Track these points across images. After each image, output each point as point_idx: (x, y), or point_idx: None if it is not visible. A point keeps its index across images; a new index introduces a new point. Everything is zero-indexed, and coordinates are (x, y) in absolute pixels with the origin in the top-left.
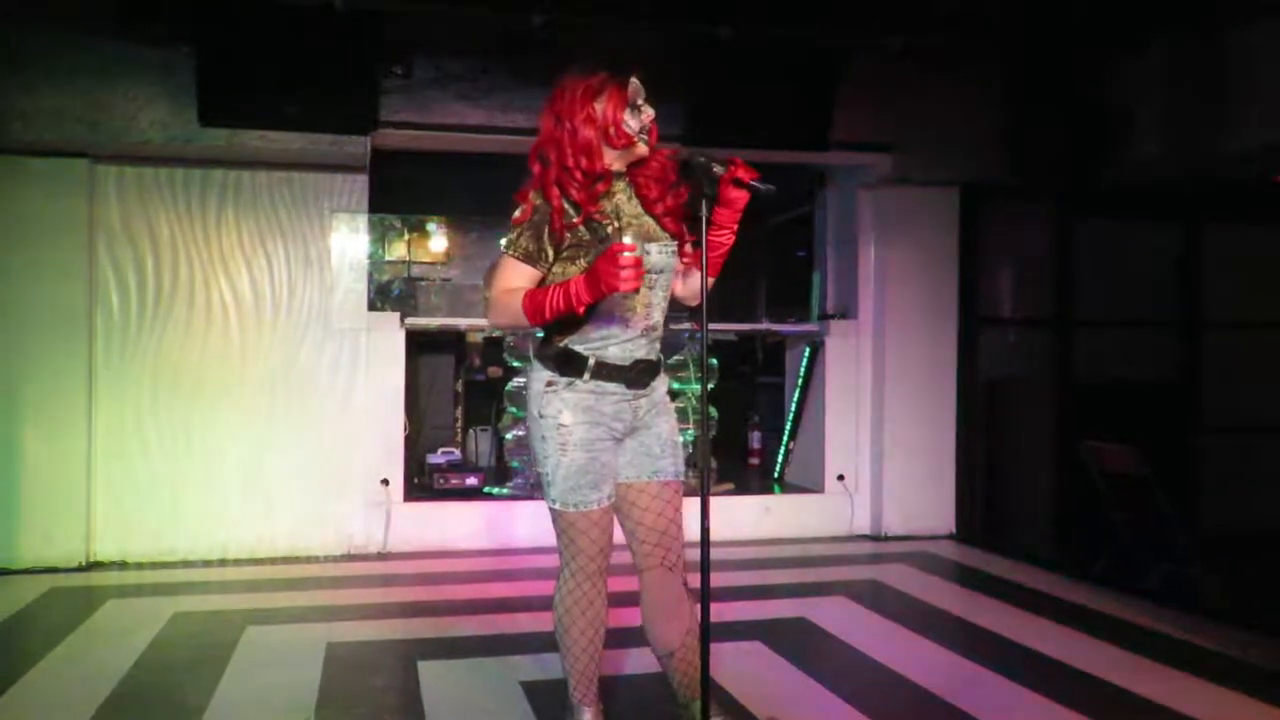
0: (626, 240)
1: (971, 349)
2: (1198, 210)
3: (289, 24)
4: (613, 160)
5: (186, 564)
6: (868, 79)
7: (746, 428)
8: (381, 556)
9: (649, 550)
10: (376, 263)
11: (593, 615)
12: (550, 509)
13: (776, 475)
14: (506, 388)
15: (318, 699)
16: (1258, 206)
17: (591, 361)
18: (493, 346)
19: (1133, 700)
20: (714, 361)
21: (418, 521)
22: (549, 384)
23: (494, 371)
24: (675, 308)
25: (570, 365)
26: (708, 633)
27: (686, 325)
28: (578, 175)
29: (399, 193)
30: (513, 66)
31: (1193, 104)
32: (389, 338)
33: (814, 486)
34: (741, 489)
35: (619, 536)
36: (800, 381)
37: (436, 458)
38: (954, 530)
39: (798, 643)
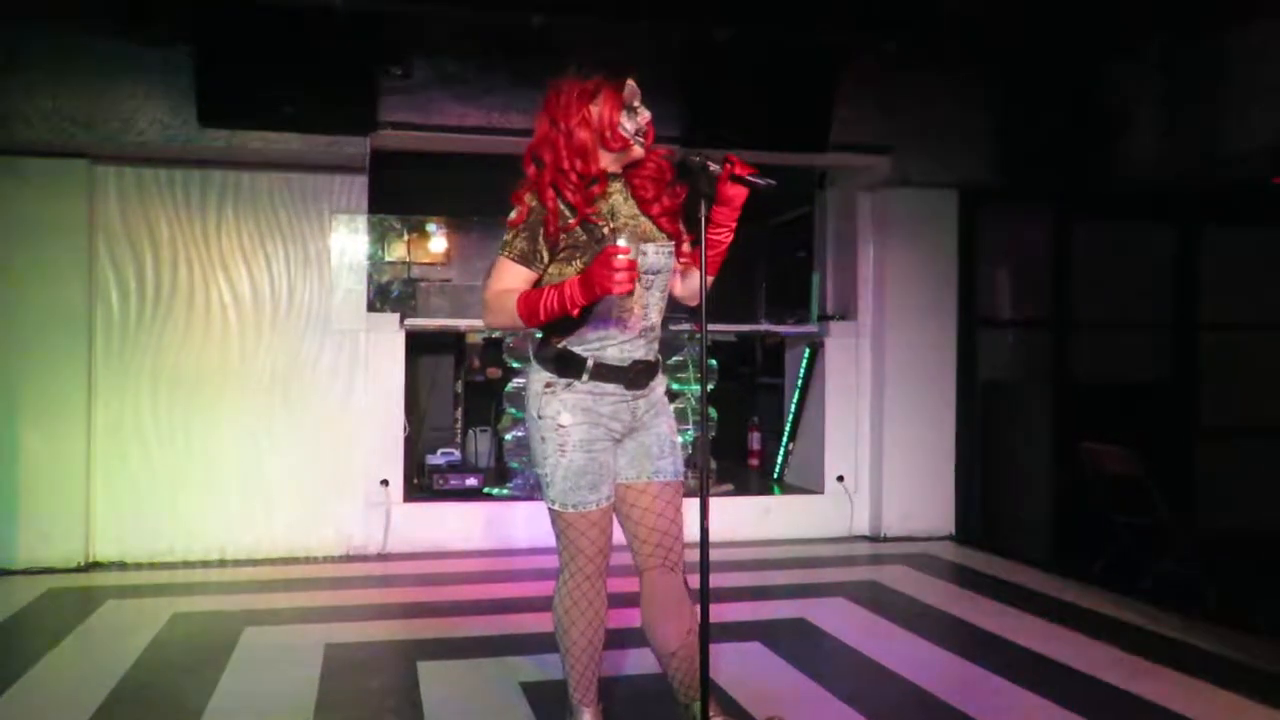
0: (621, 242)
1: (970, 350)
2: (1196, 212)
3: (288, 25)
4: (609, 162)
5: (185, 564)
6: (867, 81)
7: (746, 429)
8: (381, 557)
9: (649, 551)
10: (376, 263)
11: (592, 616)
12: (549, 510)
13: (776, 476)
14: (506, 389)
15: (316, 700)
16: (1256, 208)
17: (590, 363)
18: (492, 347)
19: (1132, 701)
20: (714, 362)
21: (417, 522)
22: (547, 385)
23: (493, 372)
24: (674, 308)
25: (568, 366)
26: (707, 633)
27: (686, 326)
28: (573, 178)
29: (398, 194)
30: (512, 67)
31: (1191, 105)
32: (389, 338)
33: (813, 487)
34: (741, 490)
35: (618, 537)
36: (799, 382)
37: (436, 458)
38: (953, 531)
39: (797, 643)
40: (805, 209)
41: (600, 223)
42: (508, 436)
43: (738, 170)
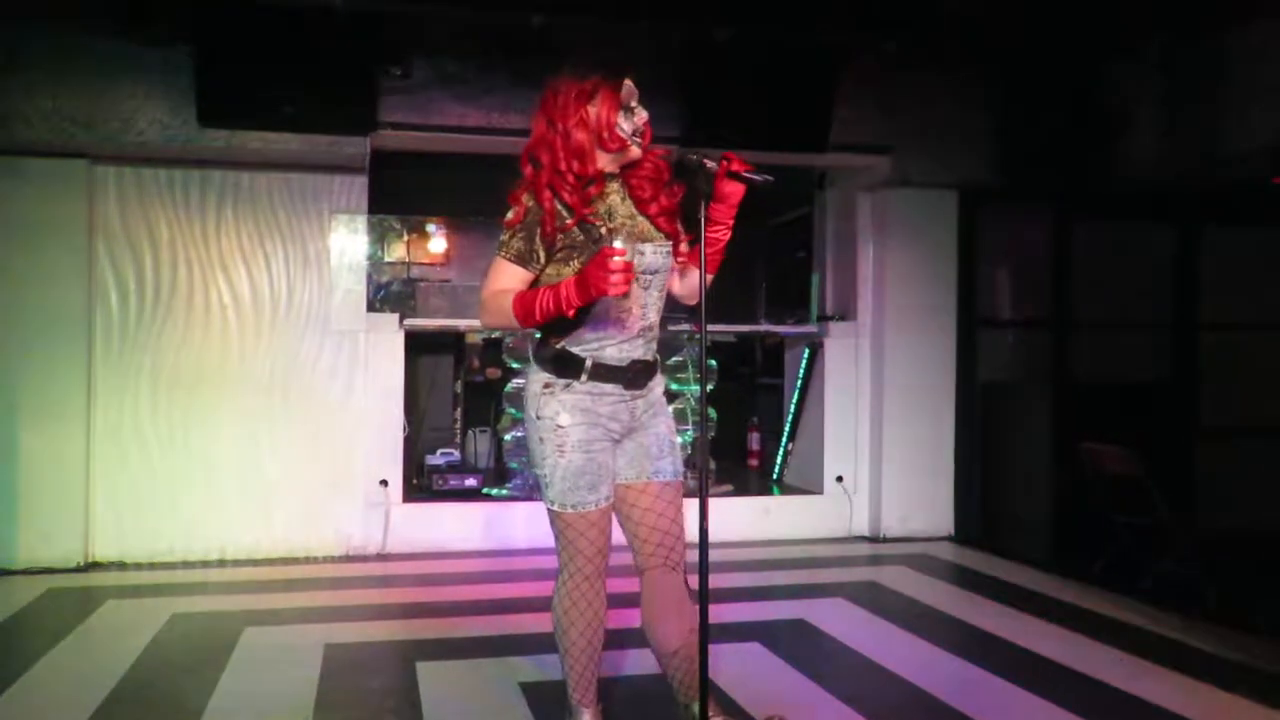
0: (617, 244)
1: (970, 350)
2: (1196, 212)
3: (288, 25)
4: (606, 162)
5: (185, 565)
6: (867, 81)
7: (745, 429)
8: (380, 557)
9: (650, 551)
10: (376, 264)
11: (591, 616)
12: (548, 510)
13: (775, 477)
14: (505, 389)
15: (316, 700)
16: (1256, 208)
17: (588, 363)
18: (492, 348)
19: (1132, 701)
20: (713, 363)
21: (417, 522)
22: (546, 386)
23: (493, 373)
24: (674, 308)
25: (567, 367)
26: (706, 634)
27: (685, 327)
28: (570, 179)
29: (398, 194)
30: (512, 67)
31: (1191, 105)
32: (388, 339)
33: (813, 488)
34: (740, 490)
35: (618, 537)
36: (799, 383)
37: (435, 459)
38: (952, 532)
39: (796, 644)
40: (805, 209)
41: (598, 223)
42: (507, 437)
43: (734, 166)
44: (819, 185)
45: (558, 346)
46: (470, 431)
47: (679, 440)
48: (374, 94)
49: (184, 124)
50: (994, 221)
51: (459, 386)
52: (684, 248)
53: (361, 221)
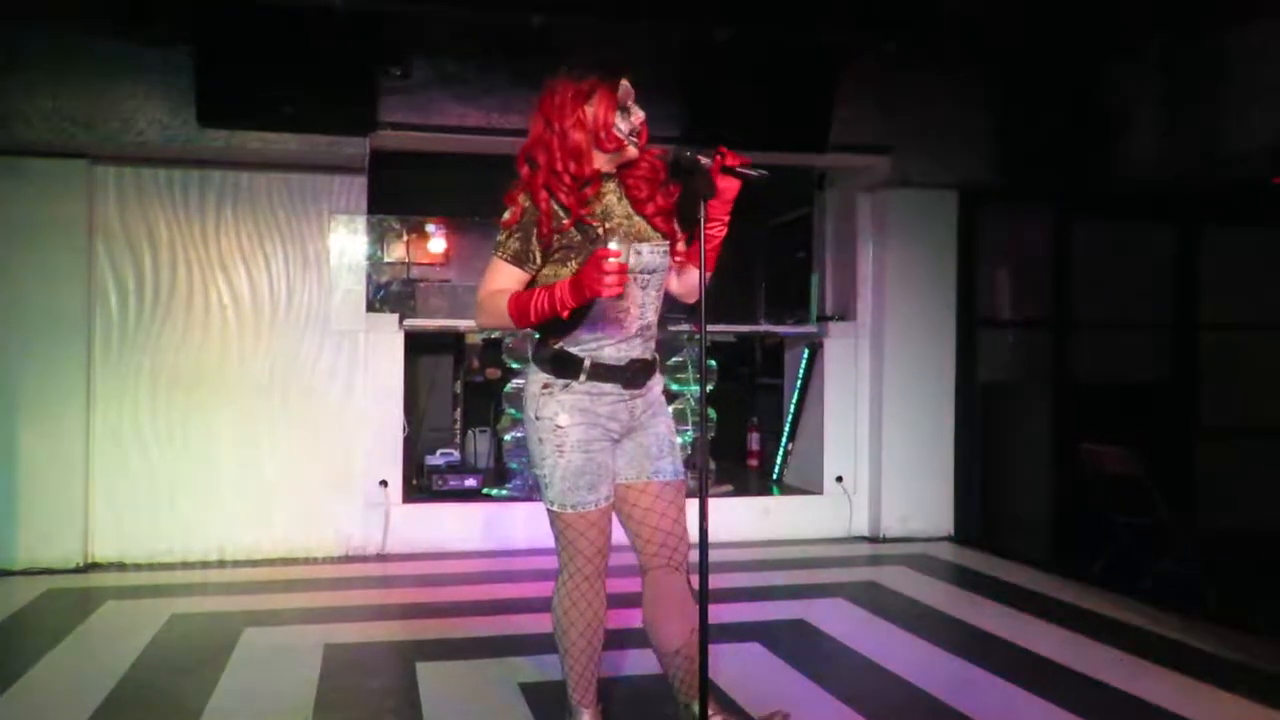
0: (613, 245)
1: (970, 350)
2: (1196, 212)
3: (288, 25)
4: (603, 163)
5: (184, 565)
6: (867, 81)
7: (745, 429)
8: (380, 558)
9: (654, 551)
10: (375, 264)
11: (591, 616)
12: (548, 510)
13: (775, 477)
14: (505, 389)
15: (315, 700)
16: (1256, 208)
17: (587, 363)
18: (492, 348)
19: (1131, 701)
20: (713, 363)
21: (416, 523)
22: (545, 386)
23: (492, 373)
24: (674, 308)
25: (566, 367)
26: (706, 634)
27: (685, 327)
28: (566, 179)
29: (398, 194)
30: (512, 67)
31: (1191, 105)
32: (388, 339)
33: (813, 488)
34: (740, 490)
35: (618, 537)
36: (799, 383)
37: (435, 459)
38: (952, 532)
39: (796, 644)
40: (805, 209)
41: (594, 223)
42: (507, 437)
43: (729, 161)
44: (819, 185)
45: (556, 347)
46: (470, 432)
47: (679, 440)
48: (374, 94)
49: (184, 124)
50: (994, 221)
51: (459, 387)
52: (681, 247)
53: (361, 222)
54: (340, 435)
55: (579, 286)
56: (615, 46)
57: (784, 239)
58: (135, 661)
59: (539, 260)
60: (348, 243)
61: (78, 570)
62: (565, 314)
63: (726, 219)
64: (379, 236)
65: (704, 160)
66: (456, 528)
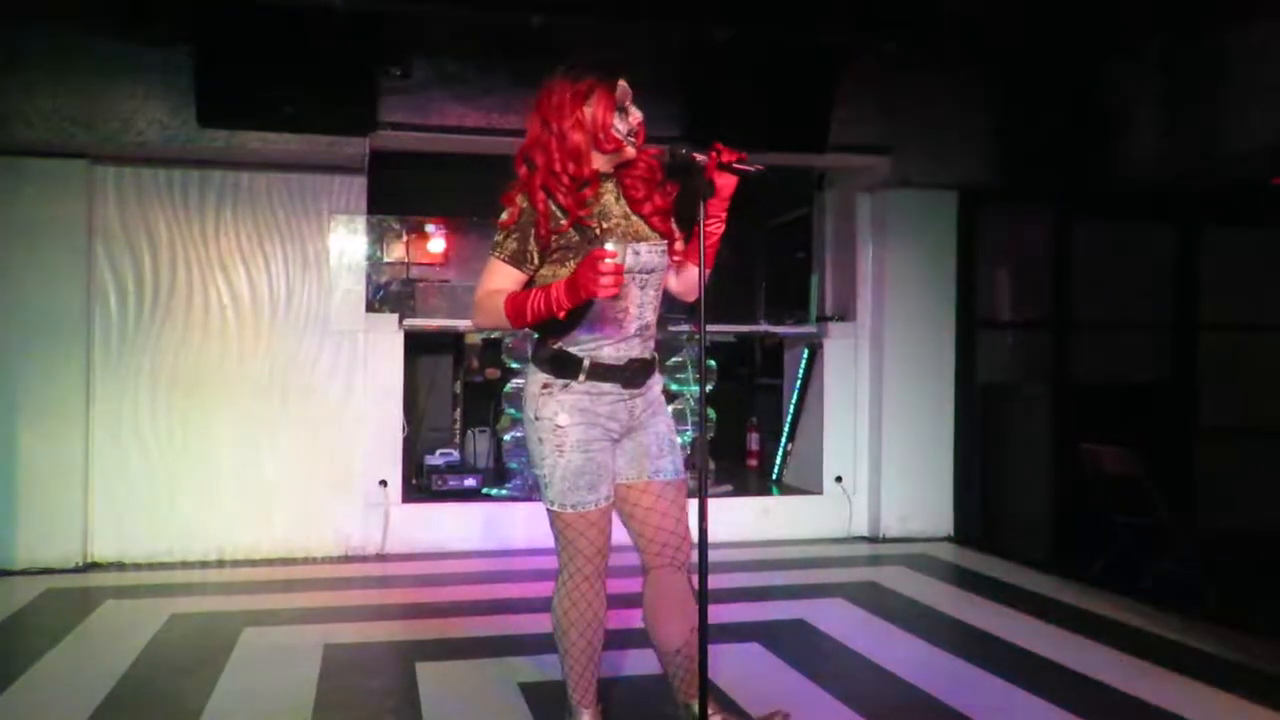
0: (609, 245)
1: (969, 351)
2: (1196, 212)
3: (288, 25)
4: (601, 163)
5: (184, 565)
6: (867, 81)
7: (745, 429)
8: (379, 558)
9: (657, 550)
10: (375, 264)
11: (591, 617)
12: (548, 510)
13: (775, 477)
14: (504, 389)
15: (315, 700)
16: (1256, 208)
17: (586, 363)
18: (491, 348)
19: (1130, 702)
20: (712, 363)
21: (416, 523)
22: (545, 386)
23: (492, 373)
24: (674, 308)
25: (565, 367)
26: (706, 634)
27: (685, 327)
28: (565, 180)
29: (397, 194)
30: (512, 68)
31: (1191, 105)
32: (387, 339)
33: (812, 488)
34: (740, 490)
35: (618, 537)
36: (798, 383)
37: (435, 459)
38: (952, 532)
39: (796, 644)
40: (804, 210)
41: (592, 224)
42: (506, 437)
43: (724, 158)
44: (818, 186)
45: (555, 347)
46: (469, 432)
47: (678, 439)
48: (374, 94)
49: (183, 124)
50: (994, 222)
51: (458, 387)
52: (679, 245)
53: (361, 222)
54: (340, 435)
55: (575, 287)
56: (615, 46)
57: (784, 239)
58: (135, 661)
59: (537, 261)
60: (347, 243)
61: (77, 570)
62: (561, 314)
63: (724, 216)
64: (378, 237)
65: (700, 157)
66: (456, 528)
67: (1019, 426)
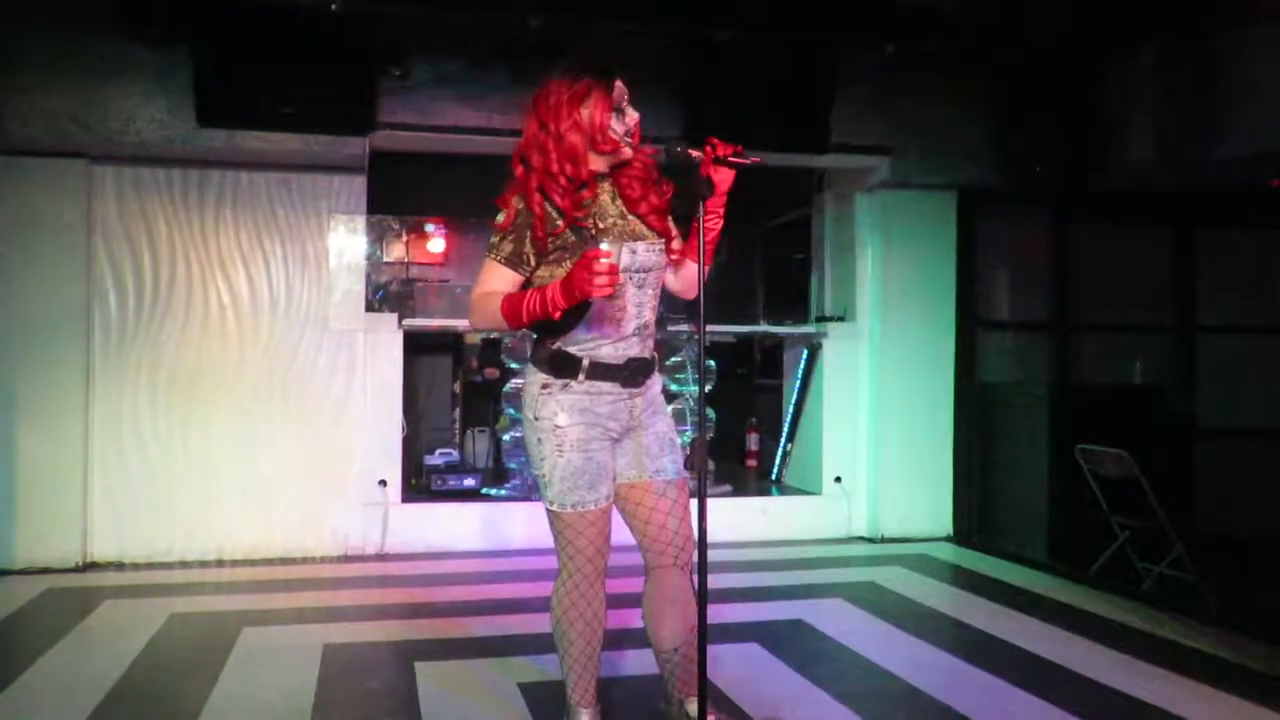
0: (604, 246)
1: (968, 352)
2: (1194, 214)
3: (288, 25)
4: (598, 164)
5: (183, 565)
6: (866, 83)
7: (744, 430)
8: (379, 557)
9: (659, 550)
10: (374, 264)
11: (591, 617)
12: (547, 510)
13: (774, 477)
14: (504, 389)
15: (314, 701)
16: (1255, 210)
17: (585, 362)
18: (491, 348)
19: (1129, 702)
20: (712, 363)
21: (415, 522)
22: (544, 386)
23: (491, 373)
24: (674, 308)
25: (564, 367)
26: (705, 634)
27: (685, 327)
28: (562, 181)
29: (397, 194)
30: (511, 68)
31: (1190, 107)
32: (387, 339)
33: (811, 488)
34: (739, 491)
35: (618, 538)
36: (798, 384)
37: (434, 459)
38: (951, 533)
39: (795, 644)
40: (804, 210)
41: (588, 224)
42: (506, 437)
43: (720, 151)
44: (818, 187)
45: (554, 347)
46: (469, 431)
47: (678, 439)
48: (373, 94)
49: (182, 123)
50: (993, 223)
51: (457, 386)
52: (676, 244)
53: (360, 221)
54: (339, 435)
55: (570, 287)
56: (615, 46)
57: (784, 239)
58: (134, 661)
59: (533, 262)
60: (347, 242)
61: (76, 570)
62: (557, 315)
63: (723, 211)
64: (378, 236)
65: (695, 154)
66: (455, 528)
67: (1018, 427)
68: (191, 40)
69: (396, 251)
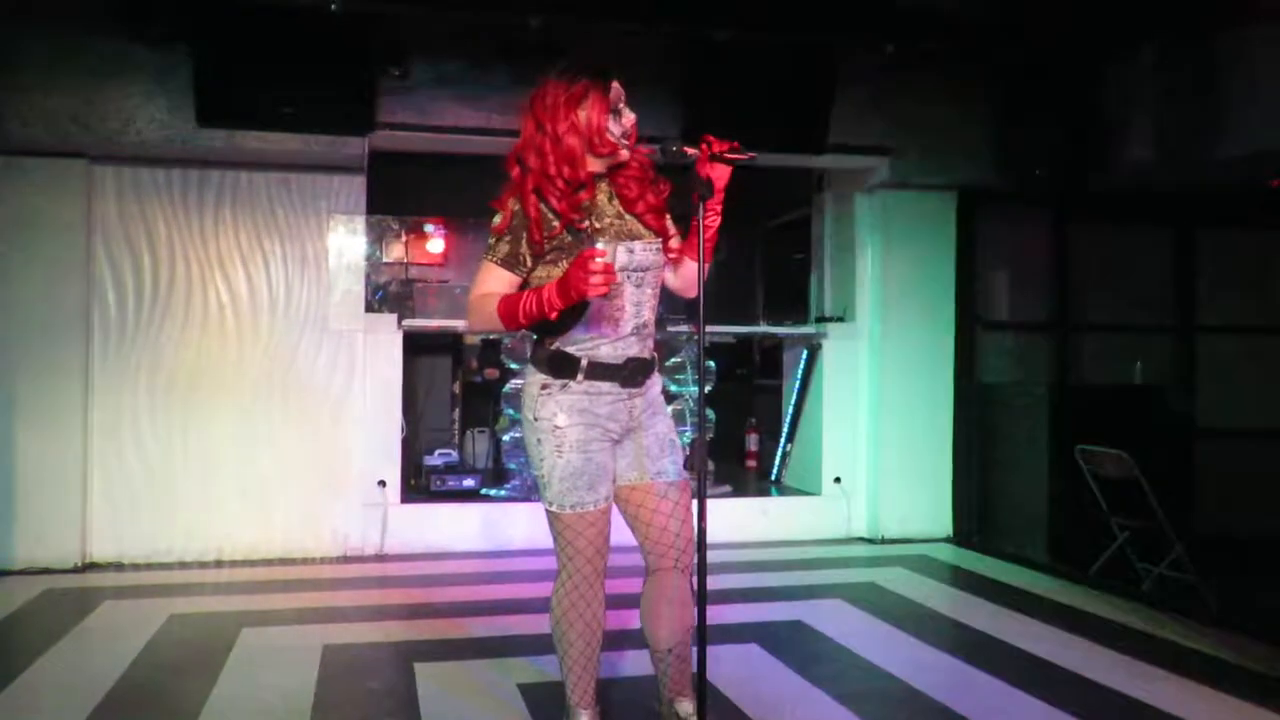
0: (599, 245)
1: (968, 352)
2: (1194, 214)
3: (287, 25)
4: (595, 166)
5: (182, 565)
6: (866, 83)
7: (744, 430)
8: (378, 558)
9: (661, 552)
10: (374, 264)
11: (590, 617)
12: (547, 511)
13: (774, 478)
14: (503, 389)
15: (313, 701)
16: (1255, 210)
17: (584, 363)
18: (490, 348)
19: (1129, 703)
20: (712, 364)
21: (415, 523)
22: (544, 387)
23: (491, 373)
24: (674, 308)
25: (563, 368)
26: (704, 635)
27: (684, 328)
28: (559, 184)
29: (397, 194)
30: (511, 68)
31: (1190, 108)
32: (386, 339)
33: (811, 489)
34: (739, 491)
35: (618, 538)
36: (798, 384)
37: (433, 459)
38: (951, 533)
39: (794, 645)
40: (804, 211)
41: (584, 226)
42: (505, 437)
43: (716, 148)
44: (818, 187)
45: (553, 347)
46: (468, 432)
47: (678, 440)
48: (373, 94)
49: (182, 123)
50: (993, 223)
51: (457, 387)
52: (674, 242)
53: (360, 222)
54: (338, 435)
55: (566, 288)
56: (615, 46)
57: (783, 240)
58: (133, 662)
59: (530, 264)
60: (346, 243)
61: (76, 570)
62: (553, 316)
63: (720, 208)
64: (378, 237)
65: (691, 151)
66: (455, 528)
67: (1018, 428)
68: (191, 40)
69: (396, 252)
